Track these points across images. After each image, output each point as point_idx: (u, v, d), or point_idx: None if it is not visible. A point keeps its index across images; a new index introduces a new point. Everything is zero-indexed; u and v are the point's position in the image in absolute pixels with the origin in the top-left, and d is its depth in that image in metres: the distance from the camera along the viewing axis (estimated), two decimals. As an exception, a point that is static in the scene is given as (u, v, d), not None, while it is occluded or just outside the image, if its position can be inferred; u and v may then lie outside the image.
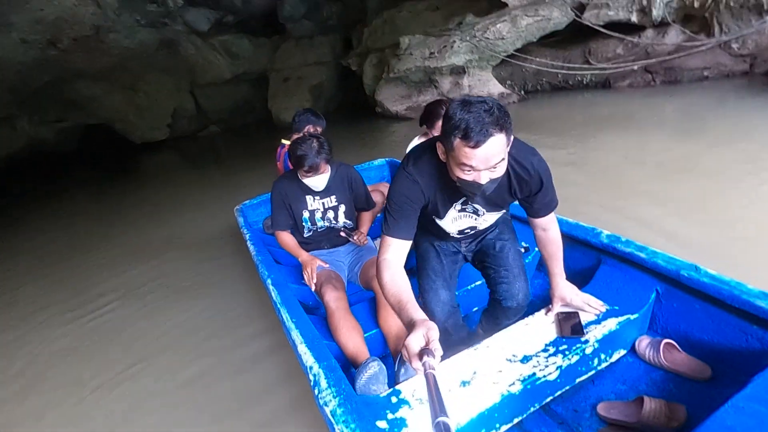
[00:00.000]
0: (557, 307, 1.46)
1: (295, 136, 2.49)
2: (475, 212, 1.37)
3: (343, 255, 2.16)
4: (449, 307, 1.50)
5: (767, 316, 1.23)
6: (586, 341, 1.35)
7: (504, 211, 1.44)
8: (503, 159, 1.07)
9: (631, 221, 2.69)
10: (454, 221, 1.39)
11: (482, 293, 1.90)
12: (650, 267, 1.51)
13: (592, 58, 6.96)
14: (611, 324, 1.40)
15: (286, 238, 2.09)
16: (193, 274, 3.31)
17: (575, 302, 1.44)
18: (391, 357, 1.66)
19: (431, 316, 1.48)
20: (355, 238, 2.10)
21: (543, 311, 1.50)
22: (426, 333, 0.93)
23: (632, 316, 1.43)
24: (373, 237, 2.28)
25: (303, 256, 2.01)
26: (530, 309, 1.56)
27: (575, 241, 1.77)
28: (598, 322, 1.41)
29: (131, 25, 10.09)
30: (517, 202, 1.38)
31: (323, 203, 2.06)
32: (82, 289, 3.42)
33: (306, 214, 2.05)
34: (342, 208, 2.09)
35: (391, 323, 1.66)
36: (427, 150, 1.26)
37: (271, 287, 1.85)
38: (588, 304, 1.44)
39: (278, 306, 1.69)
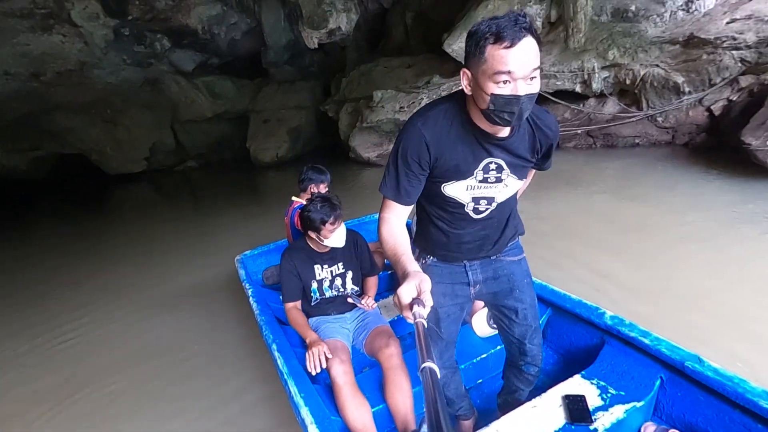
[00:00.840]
0: None
1: (303, 195, 2.68)
2: (498, 177, 1.21)
3: (348, 322, 2.12)
4: (446, 368, 1.47)
5: None
6: (595, 429, 1.33)
7: (524, 180, 1.29)
8: (539, 69, 0.98)
9: (566, 258, 3.30)
10: (468, 189, 1.22)
11: (487, 366, 1.96)
12: (654, 354, 1.50)
13: (544, 120, 7.76)
14: (618, 411, 1.38)
15: (296, 315, 2.02)
16: (176, 325, 3.23)
17: None
18: None
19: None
20: (363, 302, 2.06)
21: (550, 392, 1.49)
22: (418, 284, 0.93)
23: (638, 404, 1.41)
24: (377, 298, 2.27)
25: (311, 337, 1.90)
26: (536, 383, 1.60)
27: (578, 318, 1.78)
28: (605, 408, 1.41)
29: (117, 63, 10.49)
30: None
31: (331, 271, 2.07)
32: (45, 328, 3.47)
33: (314, 285, 2.05)
34: (349, 274, 2.10)
35: (399, 400, 1.62)
36: (446, 100, 1.16)
37: (276, 354, 1.78)
38: None
39: (285, 377, 1.64)
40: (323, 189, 2.71)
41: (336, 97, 10.83)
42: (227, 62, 13.06)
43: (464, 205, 1.25)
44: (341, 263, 2.08)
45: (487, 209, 1.27)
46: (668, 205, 4.20)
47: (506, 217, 1.36)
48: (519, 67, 0.94)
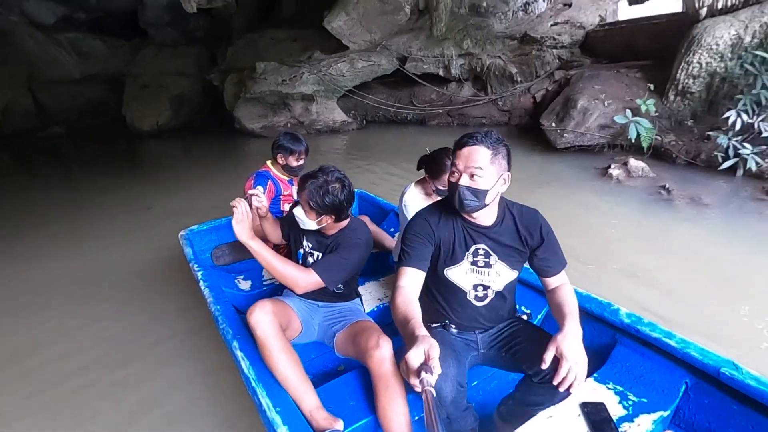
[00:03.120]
0: (550, 355, 1.16)
1: (275, 164, 2.44)
2: (487, 263, 1.36)
3: (319, 310, 1.79)
4: (457, 384, 1.22)
5: None
6: None
7: (517, 272, 1.40)
8: (483, 169, 1.22)
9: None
10: (466, 273, 1.38)
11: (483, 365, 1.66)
12: (680, 357, 1.35)
13: (416, 100, 8.63)
14: (645, 422, 1.25)
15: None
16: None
17: (569, 358, 1.12)
18: None
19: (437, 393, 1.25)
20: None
21: (566, 400, 1.28)
22: (427, 350, 0.91)
23: (665, 413, 1.29)
24: (360, 281, 2.04)
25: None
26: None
27: (588, 315, 1.58)
28: (630, 418, 1.27)
29: (-50, 8, 9.02)
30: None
31: (313, 252, 1.75)
32: None
33: (301, 250, 1.79)
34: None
35: (393, 415, 1.30)
36: (440, 203, 1.44)
37: (239, 354, 1.49)
38: (572, 369, 1.12)
39: (254, 385, 1.36)
40: (294, 162, 2.39)
41: (222, 66, 10.60)
42: (98, 18, 11.87)
43: (466, 293, 1.39)
44: (320, 254, 1.72)
45: (485, 296, 1.40)
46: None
47: (506, 307, 1.46)
48: (462, 162, 1.24)
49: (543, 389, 1.24)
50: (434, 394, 0.84)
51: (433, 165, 1.94)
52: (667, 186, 3.87)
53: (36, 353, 2.39)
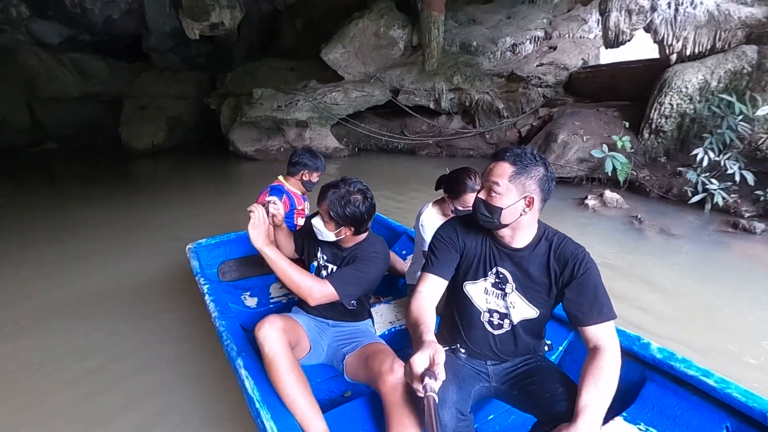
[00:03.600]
0: None
1: (289, 179, 2.47)
2: (503, 289, 1.25)
3: (329, 329, 1.71)
4: (456, 411, 1.12)
5: None
6: None
7: (538, 312, 1.24)
8: (500, 186, 1.14)
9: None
10: (485, 293, 1.28)
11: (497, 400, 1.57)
12: (719, 398, 1.24)
13: (407, 130, 8.92)
14: None
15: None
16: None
17: None
18: None
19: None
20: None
21: None
22: (432, 355, 0.90)
23: None
24: (372, 305, 2.00)
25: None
26: None
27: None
28: None
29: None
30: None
31: (326, 265, 1.70)
32: None
33: (315, 262, 1.74)
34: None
35: None
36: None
37: (243, 373, 1.39)
38: None
39: (258, 407, 1.27)
40: (316, 178, 2.48)
41: (220, 90, 10.90)
42: (102, 41, 12.21)
43: (480, 313, 1.29)
44: (335, 267, 1.67)
45: (500, 325, 1.28)
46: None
47: (520, 344, 1.30)
48: (483, 176, 1.22)
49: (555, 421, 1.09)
50: (436, 400, 0.83)
51: (453, 185, 1.88)
52: (639, 216, 4.04)
53: (29, 370, 2.24)
